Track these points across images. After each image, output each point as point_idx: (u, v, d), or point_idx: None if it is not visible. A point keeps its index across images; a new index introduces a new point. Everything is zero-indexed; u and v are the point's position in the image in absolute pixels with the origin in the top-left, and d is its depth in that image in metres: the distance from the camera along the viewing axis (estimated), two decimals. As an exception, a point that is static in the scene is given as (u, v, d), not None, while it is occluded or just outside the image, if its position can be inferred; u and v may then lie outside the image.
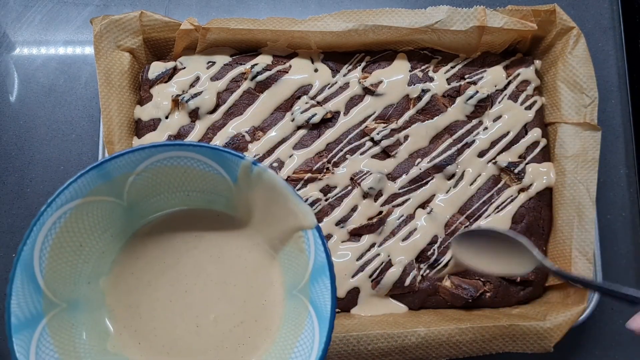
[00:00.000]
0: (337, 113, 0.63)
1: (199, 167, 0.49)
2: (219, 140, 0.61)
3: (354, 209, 0.61)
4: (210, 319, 0.50)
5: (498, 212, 0.61)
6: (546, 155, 0.63)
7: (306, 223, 0.46)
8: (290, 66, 0.63)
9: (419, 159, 0.62)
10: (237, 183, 0.49)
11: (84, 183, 0.45)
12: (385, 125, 0.62)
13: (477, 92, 0.62)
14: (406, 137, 0.62)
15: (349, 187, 0.61)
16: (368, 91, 0.63)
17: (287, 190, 0.46)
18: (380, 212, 0.61)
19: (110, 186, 0.47)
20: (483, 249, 0.45)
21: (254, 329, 0.50)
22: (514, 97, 0.63)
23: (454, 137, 0.62)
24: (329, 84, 0.63)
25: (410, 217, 0.61)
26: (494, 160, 0.62)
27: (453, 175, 0.62)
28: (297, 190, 0.61)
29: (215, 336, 0.50)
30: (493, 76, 0.63)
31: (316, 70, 0.63)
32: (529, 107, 0.63)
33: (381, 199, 0.61)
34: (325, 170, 0.61)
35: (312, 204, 0.60)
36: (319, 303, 0.45)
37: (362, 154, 0.62)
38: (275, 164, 0.61)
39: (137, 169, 0.47)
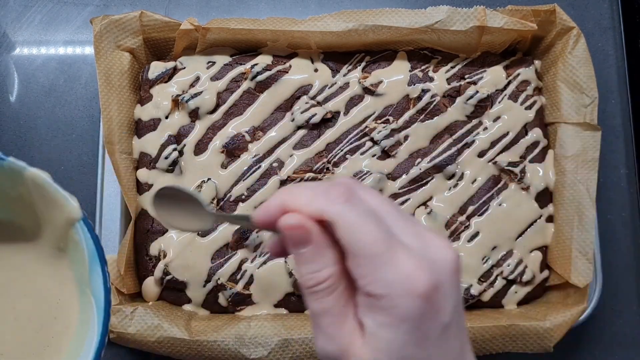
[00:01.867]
0: (337, 113, 0.63)
1: None
2: (219, 140, 0.61)
3: (354, 209, 0.61)
4: (9, 326, 0.48)
5: (498, 212, 0.61)
6: (546, 155, 0.63)
7: (73, 215, 0.44)
8: (290, 66, 0.63)
9: (419, 159, 0.62)
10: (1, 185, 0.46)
11: None
12: (385, 125, 0.62)
13: (477, 92, 0.62)
14: (406, 137, 0.62)
15: (349, 187, 0.61)
16: (368, 91, 0.63)
17: (46, 181, 0.43)
18: (380, 212, 0.61)
19: None
20: (178, 207, 0.45)
21: (55, 328, 0.49)
22: (514, 97, 0.63)
23: (454, 137, 0.62)
24: (329, 84, 0.63)
25: (410, 217, 0.61)
26: (494, 161, 0.62)
27: (453, 175, 0.62)
28: (297, 190, 0.61)
29: (20, 342, 0.48)
30: (493, 76, 0.63)
31: (316, 70, 0.63)
32: (529, 107, 0.63)
33: (381, 199, 0.61)
34: (325, 170, 0.61)
35: (312, 204, 0.60)
36: (97, 293, 0.44)
37: (362, 154, 0.62)
38: (275, 164, 0.61)
39: None
